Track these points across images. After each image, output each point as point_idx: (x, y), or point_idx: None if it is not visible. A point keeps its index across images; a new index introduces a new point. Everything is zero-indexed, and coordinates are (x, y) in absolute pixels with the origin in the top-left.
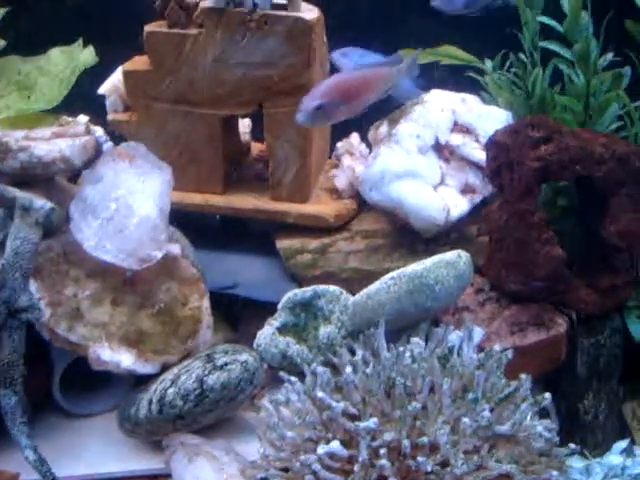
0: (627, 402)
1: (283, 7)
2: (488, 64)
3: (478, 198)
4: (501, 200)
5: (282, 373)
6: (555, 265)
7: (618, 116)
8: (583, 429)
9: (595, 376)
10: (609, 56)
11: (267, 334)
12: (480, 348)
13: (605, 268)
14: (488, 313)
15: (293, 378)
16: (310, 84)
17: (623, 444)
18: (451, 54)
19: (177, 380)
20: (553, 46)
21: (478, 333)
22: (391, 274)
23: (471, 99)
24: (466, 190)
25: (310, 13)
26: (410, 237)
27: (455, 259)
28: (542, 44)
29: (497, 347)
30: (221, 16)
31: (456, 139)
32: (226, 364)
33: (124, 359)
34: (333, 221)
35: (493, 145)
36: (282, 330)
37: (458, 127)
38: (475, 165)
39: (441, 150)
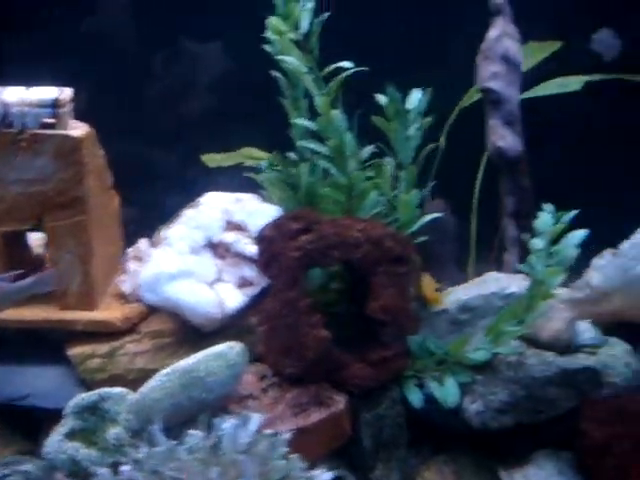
0: (419, 467)
1: (53, 126)
2: (263, 163)
3: (256, 290)
4: (274, 290)
5: None
6: (323, 346)
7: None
8: None
9: (381, 447)
10: (369, 148)
11: (54, 441)
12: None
13: (375, 343)
14: (271, 398)
15: None
16: (86, 196)
17: None
18: (252, 155)
19: None
20: (312, 145)
21: (256, 419)
22: (165, 370)
23: (247, 198)
24: (243, 284)
25: (78, 130)
26: (193, 333)
27: (225, 350)
28: (301, 143)
29: (269, 430)
30: None
31: (229, 237)
32: (5, 476)
33: None
34: (121, 325)
35: (261, 239)
36: (71, 435)
37: (232, 225)
38: (250, 259)
39: (216, 248)
